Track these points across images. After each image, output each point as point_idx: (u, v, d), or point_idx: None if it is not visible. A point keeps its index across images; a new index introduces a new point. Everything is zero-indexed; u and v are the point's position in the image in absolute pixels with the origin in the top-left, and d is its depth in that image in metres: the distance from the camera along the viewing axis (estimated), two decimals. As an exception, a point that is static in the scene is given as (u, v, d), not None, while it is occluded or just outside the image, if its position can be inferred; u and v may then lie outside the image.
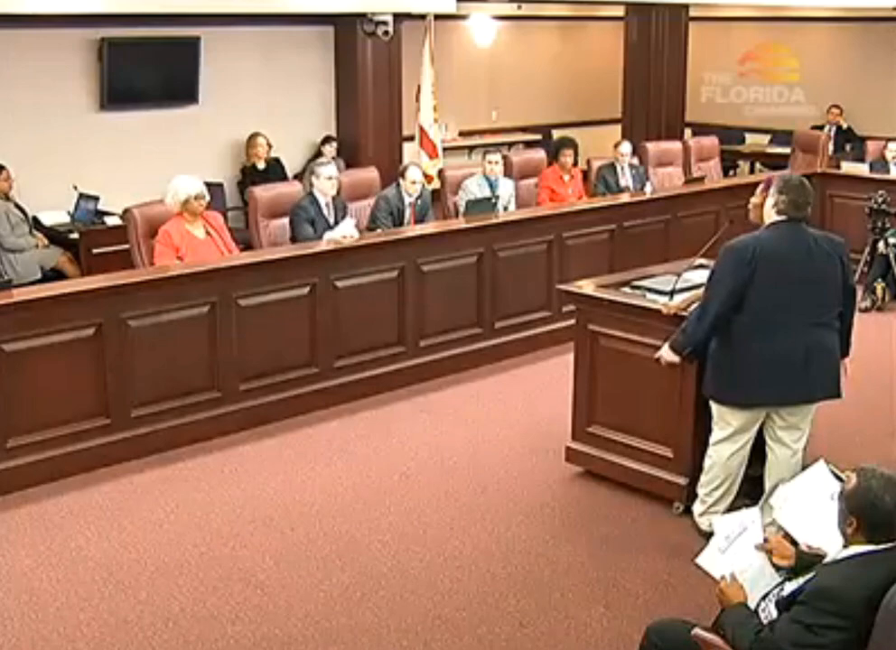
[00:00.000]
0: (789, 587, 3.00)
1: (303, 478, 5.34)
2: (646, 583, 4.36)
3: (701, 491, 4.64)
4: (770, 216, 4.34)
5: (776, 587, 3.10)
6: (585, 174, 9.00)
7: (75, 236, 7.90)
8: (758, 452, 4.87)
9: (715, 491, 4.57)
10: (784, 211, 4.30)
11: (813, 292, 4.29)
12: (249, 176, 9.21)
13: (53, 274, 7.67)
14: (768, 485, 4.52)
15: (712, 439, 4.55)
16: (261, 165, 9.33)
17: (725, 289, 4.29)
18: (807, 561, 3.14)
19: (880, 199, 8.30)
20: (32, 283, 6.72)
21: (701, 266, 5.54)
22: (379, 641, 3.97)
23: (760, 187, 4.60)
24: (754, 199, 4.58)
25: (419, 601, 4.22)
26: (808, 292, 4.28)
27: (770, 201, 4.34)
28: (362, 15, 9.48)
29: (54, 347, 5.17)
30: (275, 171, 9.30)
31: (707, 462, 4.59)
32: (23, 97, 8.23)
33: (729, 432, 4.46)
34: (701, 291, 4.72)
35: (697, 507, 4.67)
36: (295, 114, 9.86)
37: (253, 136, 9.32)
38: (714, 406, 4.51)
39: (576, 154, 8.60)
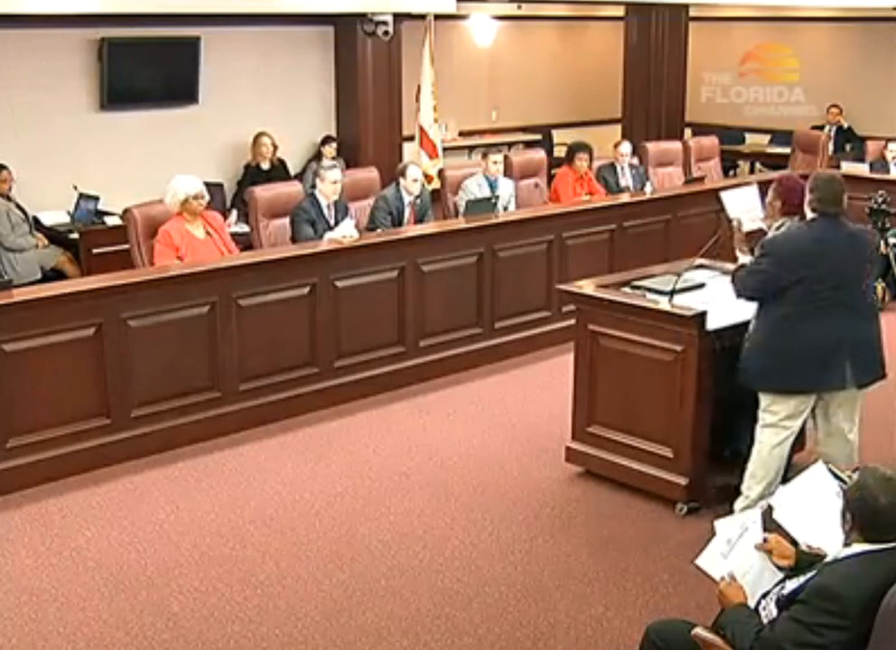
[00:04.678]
0: (790, 585, 3.00)
1: (303, 478, 5.34)
2: (646, 583, 4.36)
3: (744, 486, 4.64)
4: (808, 212, 4.48)
5: (777, 585, 3.10)
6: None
7: (75, 236, 7.89)
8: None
9: (757, 486, 4.58)
10: (817, 208, 4.44)
11: (851, 281, 4.45)
12: (251, 175, 9.20)
13: (53, 274, 7.67)
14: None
15: (758, 428, 4.58)
16: (265, 165, 9.32)
17: (766, 278, 4.40)
18: (807, 560, 3.14)
19: (880, 199, 8.30)
20: (32, 283, 6.71)
21: (701, 266, 5.55)
22: (379, 641, 3.97)
23: (772, 187, 4.81)
24: (766, 199, 4.85)
25: (419, 601, 4.22)
26: (847, 281, 4.43)
27: (806, 199, 4.48)
28: (362, 15, 9.48)
29: (54, 347, 5.17)
30: (278, 172, 9.29)
31: (753, 455, 4.61)
32: (23, 97, 8.23)
33: (775, 420, 4.51)
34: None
35: (739, 503, 4.66)
36: (295, 114, 9.85)
37: (258, 136, 9.31)
38: (761, 395, 4.56)
39: (591, 159, 8.58)
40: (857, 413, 4.66)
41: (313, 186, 7.03)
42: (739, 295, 4.60)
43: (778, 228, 4.74)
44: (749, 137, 13.60)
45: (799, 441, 4.89)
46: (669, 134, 12.45)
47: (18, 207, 7.77)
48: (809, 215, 4.49)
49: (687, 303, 4.95)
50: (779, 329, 4.43)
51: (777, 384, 4.50)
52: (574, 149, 8.61)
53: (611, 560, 4.56)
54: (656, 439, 4.97)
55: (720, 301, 4.90)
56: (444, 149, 10.69)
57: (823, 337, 4.39)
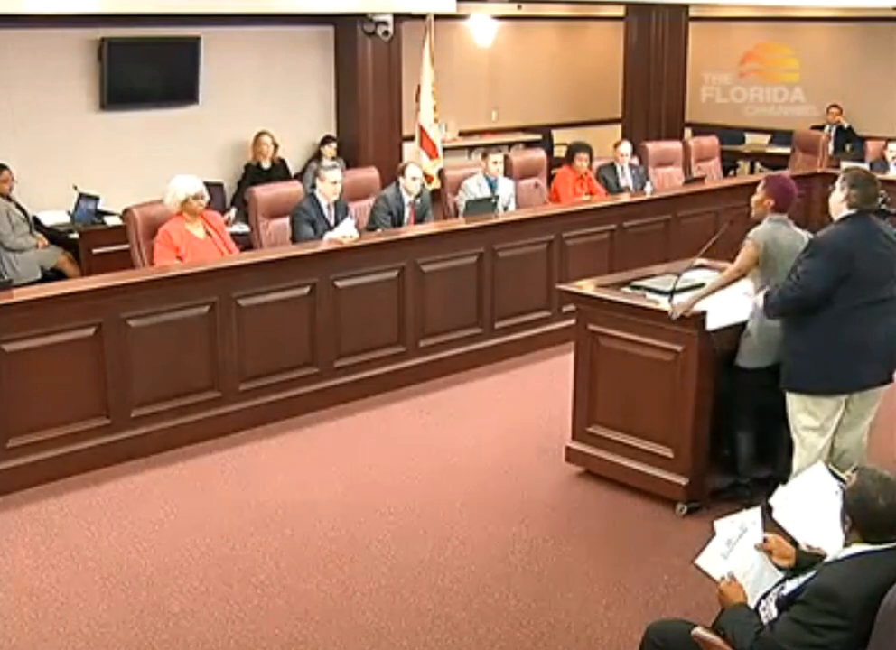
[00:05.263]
0: (790, 586, 3.00)
1: (302, 477, 5.34)
2: (646, 583, 4.36)
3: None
4: (841, 210, 4.43)
5: (776, 586, 3.10)
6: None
7: (75, 236, 7.89)
8: (765, 452, 4.89)
9: None
10: (856, 205, 4.40)
11: (885, 277, 4.42)
12: (252, 175, 9.21)
13: (53, 274, 7.66)
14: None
15: (795, 434, 4.53)
16: (266, 165, 9.33)
17: (823, 282, 4.31)
18: (807, 560, 3.14)
19: (880, 199, 8.29)
20: (32, 283, 6.71)
21: (701, 266, 5.55)
22: (379, 641, 3.97)
23: (760, 185, 4.81)
24: (755, 197, 4.81)
25: (419, 601, 4.22)
26: (883, 278, 4.41)
27: (839, 196, 4.43)
28: (362, 15, 9.48)
29: (54, 347, 5.17)
30: (278, 172, 9.30)
31: (797, 460, 4.56)
32: (23, 97, 8.23)
33: (818, 423, 4.48)
34: (698, 291, 4.87)
35: None
36: (295, 114, 9.85)
37: (259, 135, 9.31)
38: (797, 399, 4.51)
39: (591, 159, 8.58)
40: (877, 405, 4.64)
41: (313, 186, 7.03)
42: (791, 310, 4.44)
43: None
44: (749, 137, 13.60)
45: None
46: (669, 134, 12.45)
47: (18, 207, 7.77)
48: (845, 211, 4.41)
49: (687, 303, 4.94)
50: (826, 330, 4.37)
51: (824, 385, 4.45)
52: (573, 149, 8.62)
53: (611, 560, 4.56)
54: (656, 439, 4.97)
55: (720, 301, 4.90)
56: (444, 149, 10.69)
57: (867, 334, 4.37)
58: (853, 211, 4.40)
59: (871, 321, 4.38)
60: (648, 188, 8.46)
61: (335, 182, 6.78)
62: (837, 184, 4.47)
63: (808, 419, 4.50)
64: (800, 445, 4.55)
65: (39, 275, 7.52)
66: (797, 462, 4.58)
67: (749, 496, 4.82)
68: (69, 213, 8.27)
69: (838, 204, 4.44)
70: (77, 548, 4.62)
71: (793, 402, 4.54)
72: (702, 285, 5.34)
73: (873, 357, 4.43)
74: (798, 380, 4.50)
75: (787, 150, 11.48)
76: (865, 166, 9.69)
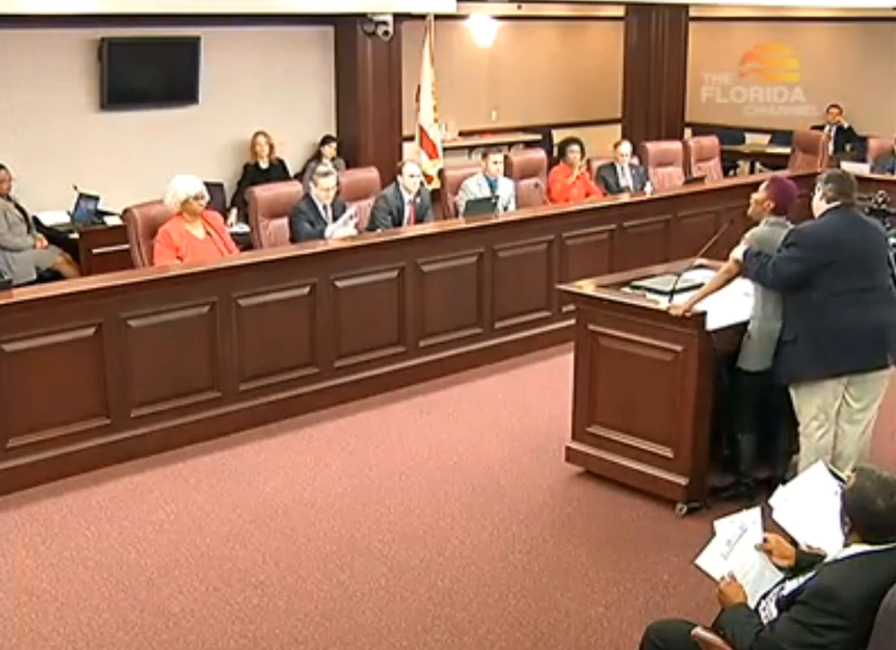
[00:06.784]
0: (790, 586, 3.00)
1: (303, 477, 5.34)
2: (646, 583, 4.36)
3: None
4: (821, 206, 4.60)
5: (776, 586, 3.10)
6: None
7: (75, 236, 7.89)
8: (766, 453, 4.88)
9: None
10: (833, 198, 4.56)
11: (874, 266, 4.58)
12: (250, 175, 9.21)
13: (50, 275, 7.64)
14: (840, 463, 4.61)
15: (801, 424, 4.62)
16: (263, 165, 9.34)
17: (796, 271, 4.48)
18: (807, 560, 3.14)
19: (879, 199, 8.30)
20: (29, 284, 6.71)
21: (701, 266, 5.55)
22: (379, 641, 3.97)
23: (763, 185, 4.88)
24: (756, 196, 4.87)
25: (419, 601, 4.22)
26: (870, 266, 4.56)
27: (817, 195, 4.61)
28: (362, 15, 9.49)
29: (54, 347, 5.17)
30: (276, 172, 9.31)
31: (804, 448, 4.64)
32: (23, 96, 8.24)
33: (815, 412, 4.56)
34: (695, 293, 4.91)
35: None
36: (295, 114, 9.86)
37: (255, 135, 9.33)
38: (795, 391, 4.60)
39: (582, 152, 8.63)
40: (879, 400, 4.68)
41: (311, 188, 7.03)
42: (764, 283, 4.61)
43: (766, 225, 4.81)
44: (749, 137, 13.61)
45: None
46: (669, 134, 12.46)
47: (17, 207, 7.77)
48: (824, 206, 4.56)
49: (687, 303, 4.94)
50: (809, 317, 4.49)
51: (822, 368, 4.52)
52: (562, 146, 8.75)
53: (611, 560, 4.56)
54: (656, 439, 4.97)
55: (720, 302, 4.90)
56: (444, 149, 10.70)
57: (859, 319, 4.46)
58: (832, 205, 4.56)
59: (861, 307, 4.48)
60: (648, 188, 8.47)
61: (328, 189, 6.77)
62: (816, 186, 4.65)
63: (808, 409, 4.57)
64: (804, 434, 4.62)
65: (34, 276, 7.50)
66: (802, 450, 4.64)
67: (749, 496, 4.83)
68: (69, 213, 8.28)
69: (818, 202, 4.63)
70: (77, 548, 4.62)
71: (796, 393, 4.61)
72: (702, 285, 5.35)
73: (867, 339, 4.50)
74: (795, 367, 4.58)
75: (787, 150, 11.47)
76: (866, 167, 9.72)
